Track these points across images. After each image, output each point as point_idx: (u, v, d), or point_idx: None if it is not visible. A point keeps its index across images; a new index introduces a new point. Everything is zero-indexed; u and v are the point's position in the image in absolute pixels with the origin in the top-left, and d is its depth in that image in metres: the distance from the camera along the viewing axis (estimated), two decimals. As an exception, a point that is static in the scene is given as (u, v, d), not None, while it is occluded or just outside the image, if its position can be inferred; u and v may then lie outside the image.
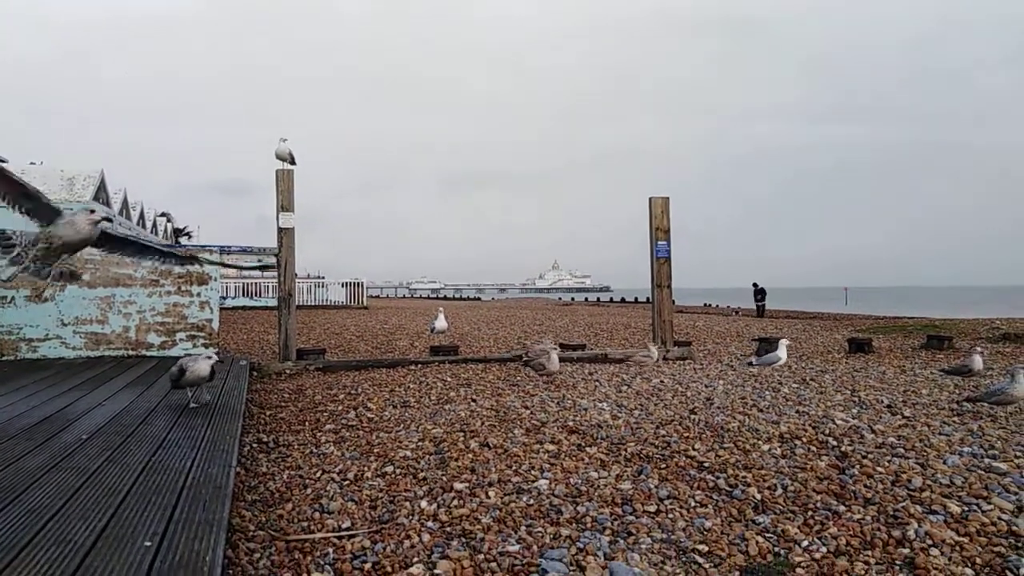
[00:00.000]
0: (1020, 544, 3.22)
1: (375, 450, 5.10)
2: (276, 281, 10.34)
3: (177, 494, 3.24)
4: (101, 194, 25.11)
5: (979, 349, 8.58)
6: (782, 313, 32.98)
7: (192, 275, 9.65)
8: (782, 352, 8.70)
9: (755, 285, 32.61)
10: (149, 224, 36.24)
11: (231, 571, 3.01)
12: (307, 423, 6.18)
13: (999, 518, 3.51)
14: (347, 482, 4.36)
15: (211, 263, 9.39)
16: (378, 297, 68.76)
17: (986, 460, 4.49)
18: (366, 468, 4.63)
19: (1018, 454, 4.66)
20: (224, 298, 12.95)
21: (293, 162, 10.21)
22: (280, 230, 9.81)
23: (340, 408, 6.81)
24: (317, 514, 3.77)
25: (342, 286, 32.85)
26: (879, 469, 4.35)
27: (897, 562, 3.08)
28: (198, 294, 9.66)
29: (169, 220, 30.32)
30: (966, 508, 3.62)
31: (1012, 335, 12.95)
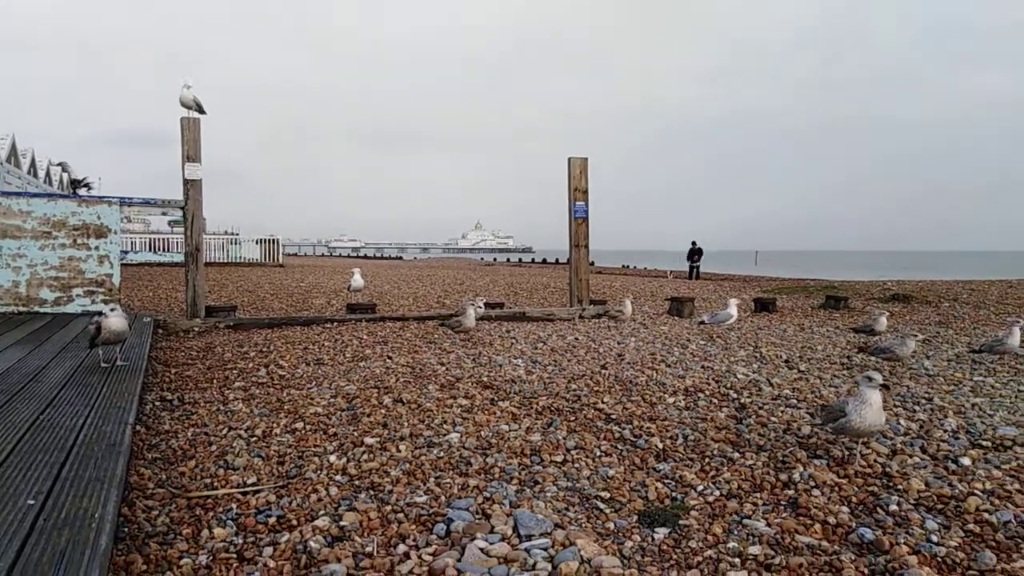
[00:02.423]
0: (891, 484, 3.49)
1: (285, 407, 5.01)
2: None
3: (66, 452, 3.09)
4: (-16, 139, 23.15)
5: (885, 311, 9.16)
6: (684, 273, 34.01)
7: (89, 227, 9.09)
8: (733, 311, 8.94)
9: (693, 244, 29.58)
10: (43, 174, 33.77)
11: (127, 528, 2.91)
12: (215, 381, 6.00)
13: (875, 460, 3.80)
14: (255, 439, 4.27)
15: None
16: (296, 255, 66.89)
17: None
18: (275, 424, 4.54)
19: (896, 404, 5.03)
20: (126, 252, 12.26)
21: (201, 110, 9.69)
22: (186, 182, 9.34)
23: (251, 366, 6.64)
24: (221, 471, 3.69)
25: (256, 243, 31.73)
26: (773, 419, 4.62)
27: (782, 503, 3.29)
28: (96, 247, 9.12)
29: (65, 170, 28.26)
30: (847, 452, 3.89)
31: (901, 295, 13.88)
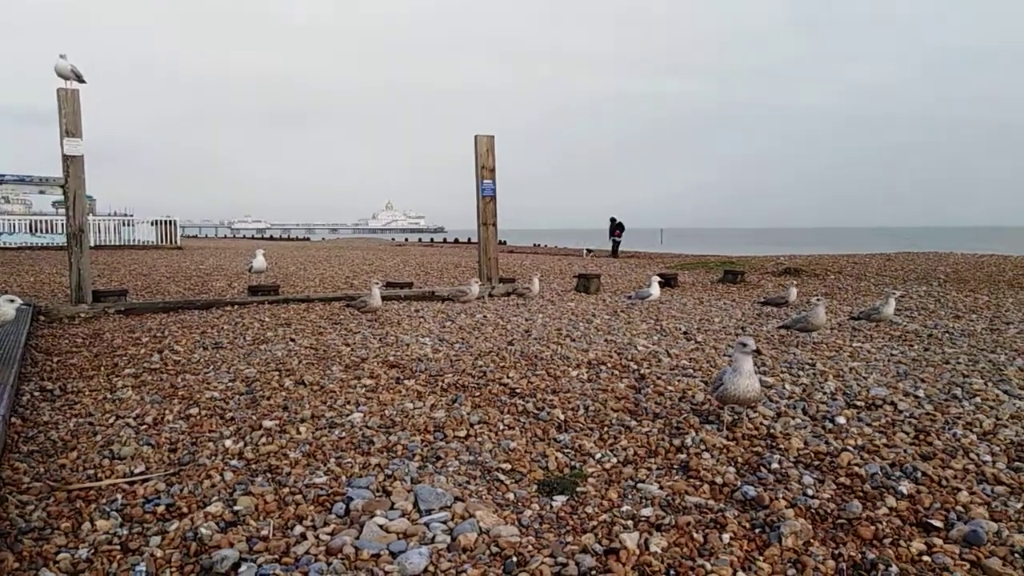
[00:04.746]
0: (775, 444, 3.70)
1: (180, 393, 4.81)
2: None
3: (-75, 448, 2.85)
4: None
5: (795, 283, 9.72)
6: (604, 252, 34.61)
7: (-45, 207, 8.35)
8: (654, 289, 9.32)
9: (612, 220, 28.10)
10: (-98, 150, 30.69)
11: (-3, 526, 2.73)
12: (102, 368, 5.67)
13: (762, 423, 4.02)
14: (144, 426, 4.08)
15: None
16: (195, 237, 63.92)
17: (758, 375, 5.08)
18: (168, 411, 4.35)
19: (783, 370, 5.33)
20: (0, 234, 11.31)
21: (81, 79, 9.03)
22: (66, 158, 8.71)
23: (142, 352, 6.31)
24: (106, 461, 3.51)
25: (152, 224, 30.06)
26: (670, 388, 4.80)
27: (674, 466, 3.44)
28: (-36, 229, 8.40)
29: (-71, 146, 25.70)
30: (737, 416, 4.10)
31: (792, 269, 14.69)
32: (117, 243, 28.47)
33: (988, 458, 3.46)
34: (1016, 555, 2.55)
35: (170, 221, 30.27)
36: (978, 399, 4.49)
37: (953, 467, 3.35)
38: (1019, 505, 2.94)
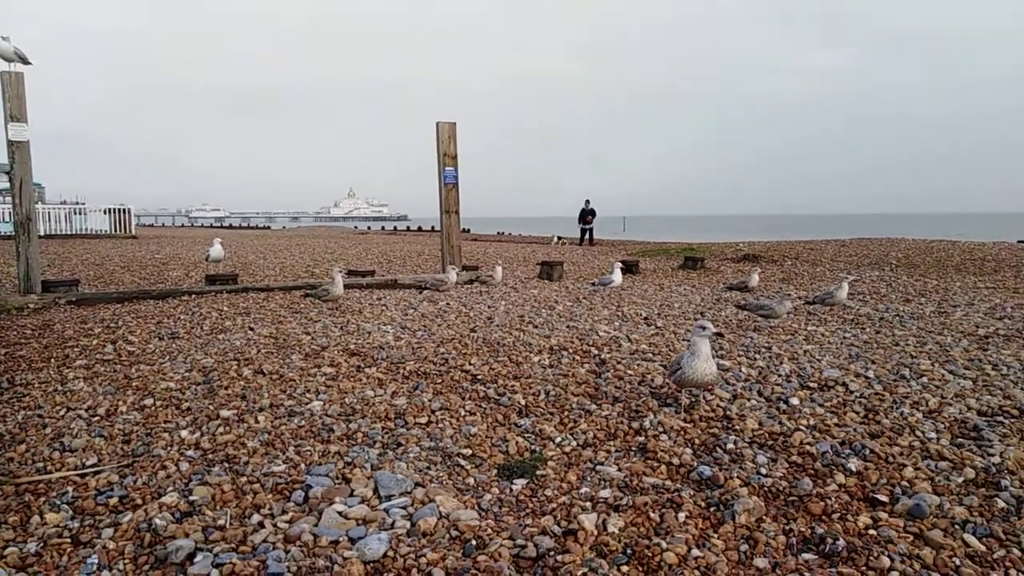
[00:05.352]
0: (731, 425, 3.78)
1: (134, 383, 4.71)
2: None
3: None
4: None
5: (757, 269, 9.91)
6: (568, 239, 34.71)
7: None
8: (616, 276, 9.43)
9: (586, 203, 25.90)
10: None
11: (-60, 522, 2.65)
12: (53, 360, 5.53)
13: (719, 405, 4.10)
14: (97, 418, 3.99)
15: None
16: (151, 226, 62.46)
17: (715, 359, 5.18)
18: (121, 402, 4.27)
19: (740, 354, 5.43)
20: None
21: (25, 61, 8.71)
22: (11, 143, 8.42)
23: (95, 343, 6.16)
24: (57, 453, 3.43)
25: (105, 213, 29.20)
26: (629, 372, 4.86)
27: (633, 448, 3.50)
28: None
29: None
30: (694, 399, 4.17)
31: (751, 255, 14.97)
32: (68, 232, 27.61)
33: (933, 435, 3.58)
34: (956, 526, 2.66)
35: (124, 209, 29.46)
36: (925, 379, 4.64)
37: (900, 444, 3.46)
38: (960, 479, 3.05)
